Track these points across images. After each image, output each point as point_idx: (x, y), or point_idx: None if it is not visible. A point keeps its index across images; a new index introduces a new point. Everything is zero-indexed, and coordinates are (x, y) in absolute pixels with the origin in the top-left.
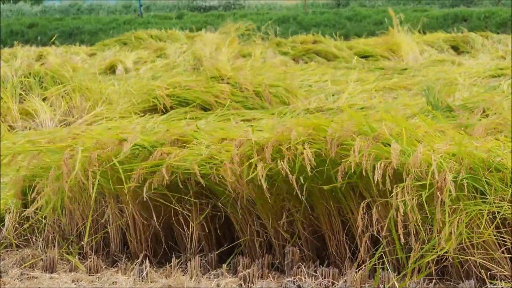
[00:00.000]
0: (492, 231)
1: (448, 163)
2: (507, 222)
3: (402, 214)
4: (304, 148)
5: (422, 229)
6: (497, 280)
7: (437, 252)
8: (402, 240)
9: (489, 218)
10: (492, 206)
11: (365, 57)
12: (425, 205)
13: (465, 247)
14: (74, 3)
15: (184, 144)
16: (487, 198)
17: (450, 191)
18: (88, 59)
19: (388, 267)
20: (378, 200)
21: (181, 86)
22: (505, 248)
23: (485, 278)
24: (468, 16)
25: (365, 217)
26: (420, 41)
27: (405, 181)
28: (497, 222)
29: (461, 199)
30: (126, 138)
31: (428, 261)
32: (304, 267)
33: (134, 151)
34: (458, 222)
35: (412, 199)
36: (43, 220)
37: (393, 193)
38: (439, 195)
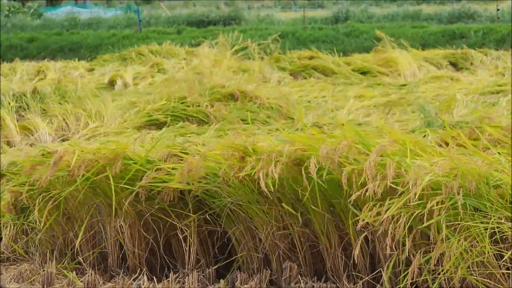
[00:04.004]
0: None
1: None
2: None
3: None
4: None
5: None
6: None
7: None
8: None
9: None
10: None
11: (363, 73)
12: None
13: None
14: (73, 17)
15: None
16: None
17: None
18: (87, 74)
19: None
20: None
21: (179, 100)
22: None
23: None
24: (466, 32)
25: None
26: (419, 57)
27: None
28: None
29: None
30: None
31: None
32: (302, 282)
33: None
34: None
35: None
36: (39, 235)
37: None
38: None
